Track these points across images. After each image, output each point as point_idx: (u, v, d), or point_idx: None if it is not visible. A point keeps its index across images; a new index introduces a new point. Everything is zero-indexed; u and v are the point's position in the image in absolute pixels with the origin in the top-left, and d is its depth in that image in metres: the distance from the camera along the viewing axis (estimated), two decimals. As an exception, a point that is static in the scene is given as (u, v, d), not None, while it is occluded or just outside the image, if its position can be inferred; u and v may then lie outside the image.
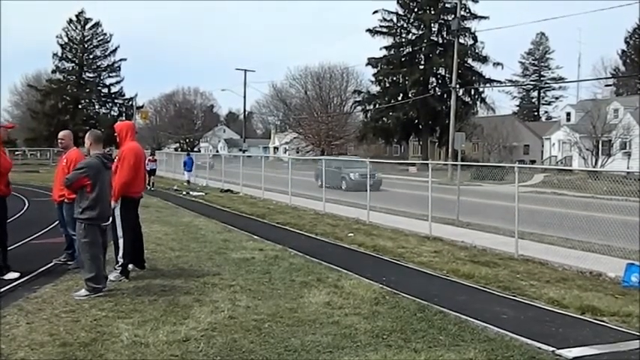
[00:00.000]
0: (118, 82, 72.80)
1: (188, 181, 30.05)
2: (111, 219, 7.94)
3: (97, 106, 73.35)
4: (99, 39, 71.84)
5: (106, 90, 72.80)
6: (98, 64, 72.41)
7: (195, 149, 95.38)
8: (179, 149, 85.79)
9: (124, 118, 62.35)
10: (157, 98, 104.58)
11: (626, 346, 5.95)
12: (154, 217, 15.36)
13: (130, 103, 71.58)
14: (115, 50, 72.06)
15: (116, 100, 73.01)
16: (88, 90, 71.34)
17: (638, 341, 6.11)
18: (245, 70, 61.57)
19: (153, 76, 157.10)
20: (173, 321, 6.29)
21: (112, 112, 72.01)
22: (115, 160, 8.33)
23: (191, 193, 25.48)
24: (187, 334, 5.88)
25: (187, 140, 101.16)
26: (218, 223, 15.15)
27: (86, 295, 7.12)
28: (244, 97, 63.08)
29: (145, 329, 5.97)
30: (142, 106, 74.55)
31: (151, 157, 27.26)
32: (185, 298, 7.28)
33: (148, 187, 23.39)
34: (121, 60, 72.42)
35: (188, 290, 7.66)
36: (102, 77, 72.84)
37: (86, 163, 7.56)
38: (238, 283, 8.15)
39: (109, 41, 72.05)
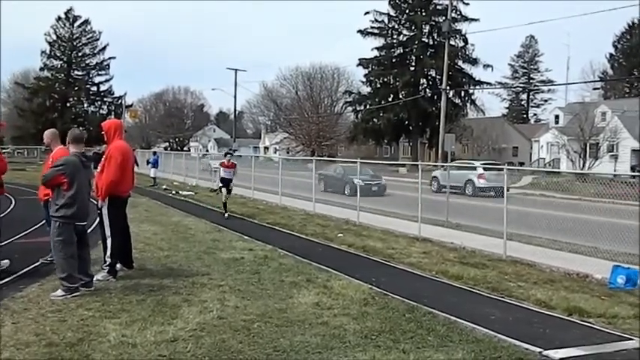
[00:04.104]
0: (107, 81, 72.72)
1: (154, 179, 30.03)
2: (88, 219, 7.84)
3: (85, 105, 72.99)
4: (88, 37, 71.59)
5: (94, 88, 72.53)
6: (87, 62, 72.14)
7: (185, 148, 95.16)
8: (169, 148, 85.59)
9: (112, 117, 62.10)
10: (147, 97, 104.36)
11: (612, 348, 6.00)
12: (142, 217, 15.31)
13: (119, 101, 71.07)
14: (104, 48, 71.93)
15: (105, 99, 72.73)
16: (76, 88, 70.97)
17: (623, 342, 6.15)
18: (236, 70, 61.59)
19: (143, 75, 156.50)
20: (161, 321, 6.27)
21: (101, 111, 71.71)
22: (102, 159, 8.30)
23: (180, 192, 25.41)
24: (176, 334, 5.86)
25: (177, 139, 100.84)
26: (207, 222, 15.11)
27: (62, 295, 7.07)
28: (235, 96, 63.29)
29: (132, 329, 5.94)
30: (131, 105, 74.08)
31: (225, 161, 18.30)
32: (174, 298, 7.26)
33: (224, 214, 17.13)
34: (110, 58, 72.30)
35: (177, 290, 7.64)
36: (91, 75, 72.56)
37: (64, 161, 7.50)
38: (227, 283, 8.14)
39: (98, 39, 71.87)
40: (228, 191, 17.75)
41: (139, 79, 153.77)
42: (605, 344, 6.10)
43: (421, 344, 5.85)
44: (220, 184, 18.03)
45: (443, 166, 24.71)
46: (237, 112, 75.51)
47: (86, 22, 71.30)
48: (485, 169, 21.83)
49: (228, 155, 18.85)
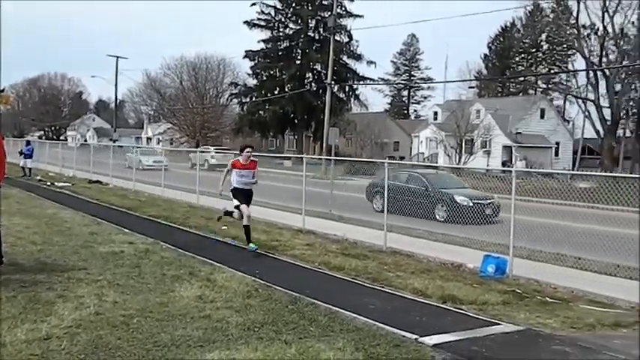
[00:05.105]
0: (-26, 64, 67.85)
1: (30, 169, 28.50)
2: None
3: (-50, 89, 67.74)
4: (-47, 16, 66.41)
5: (-40, 71, 67.53)
6: (-48, 42, 67.04)
7: (62, 138, 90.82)
8: (44, 137, 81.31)
9: (-19, 103, 58.01)
10: (20, 82, 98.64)
11: (482, 332, 6.37)
12: (14, 209, 14.44)
13: (-11, 86, 66.72)
14: (-29, 29, 67.02)
15: (-28, 83, 67.87)
16: (-61, 70, 65.79)
17: (492, 327, 6.56)
18: (117, 57, 59.27)
19: (15, 60, 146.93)
20: (34, 318, 5.98)
21: (-32, 96, 66.79)
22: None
23: (56, 183, 24.22)
24: (49, 331, 5.61)
25: (53, 128, 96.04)
26: (85, 215, 14.50)
27: None
28: (116, 84, 60.75)
29: (1, 328, 5.63)
30: (2, 91, 69.63)
31: (241, 160, 11.19)
32: (47, 294, 6.93)
33: (249, 246, 10.93)
34: (-22, 40, 67.45)
35: (51, 286, 7.30)
36: (-44, 57, 67.41)
37: None
38: (106, 278, 7.87)
39: (-36, 19, 66.84)
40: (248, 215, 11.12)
41: (12, 64, 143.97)
42: (476, 329, 6.46)
43: (303, 335, 5.94)
44: (235, 202, 11.21)
45: (205, 151, 33.32)
46: (118, 101, 72.81)
47: (-50, -1, 66.18)
48: (216, 151, 29.73)
49: (248, 150, 11.23)
